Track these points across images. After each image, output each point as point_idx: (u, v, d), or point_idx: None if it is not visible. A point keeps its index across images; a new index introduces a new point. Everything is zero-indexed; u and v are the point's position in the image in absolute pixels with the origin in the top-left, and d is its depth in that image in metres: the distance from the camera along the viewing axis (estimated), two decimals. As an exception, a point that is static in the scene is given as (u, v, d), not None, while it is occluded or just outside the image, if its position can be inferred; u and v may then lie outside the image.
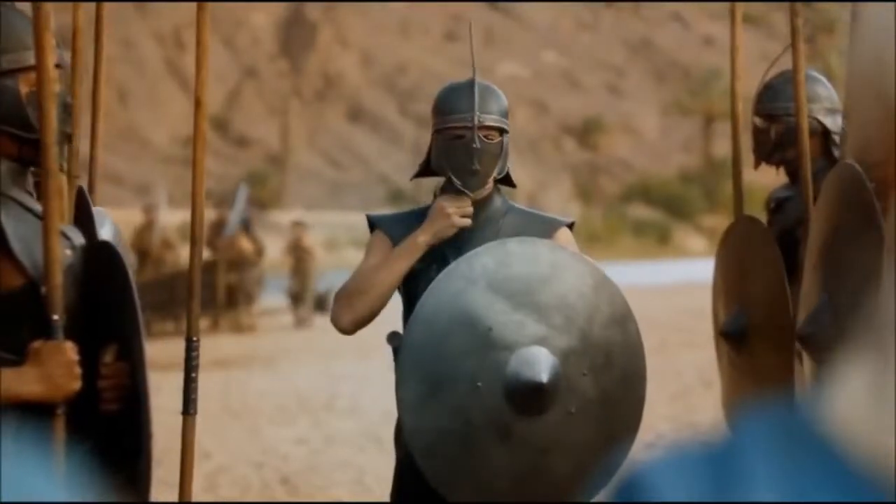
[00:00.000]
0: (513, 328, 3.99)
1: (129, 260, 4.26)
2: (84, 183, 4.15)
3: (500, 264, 4.00)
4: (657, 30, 60.41)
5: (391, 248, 4.20)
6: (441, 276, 4.01)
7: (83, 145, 4.22)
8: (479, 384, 3.96)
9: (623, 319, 4.03)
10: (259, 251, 22.00)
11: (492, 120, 4.16)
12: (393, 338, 4.05)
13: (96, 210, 4.13)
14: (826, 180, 4.27)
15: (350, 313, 4.08)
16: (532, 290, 4.00)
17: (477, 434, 3.97)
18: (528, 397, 3.96)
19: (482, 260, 4.01)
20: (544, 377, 3.96)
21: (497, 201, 4.23)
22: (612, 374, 4.02)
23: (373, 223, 4.26)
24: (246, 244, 21.85)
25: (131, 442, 3.25)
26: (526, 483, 3.99)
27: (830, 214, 4.15)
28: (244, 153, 51.98)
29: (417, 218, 4.20)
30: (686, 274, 26.69)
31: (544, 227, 4.19)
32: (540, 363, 3.96)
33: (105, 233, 3.97)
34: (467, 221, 4.15)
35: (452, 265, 4.02)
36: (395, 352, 4.05)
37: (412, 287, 4.15)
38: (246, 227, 22.28)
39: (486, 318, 3.97)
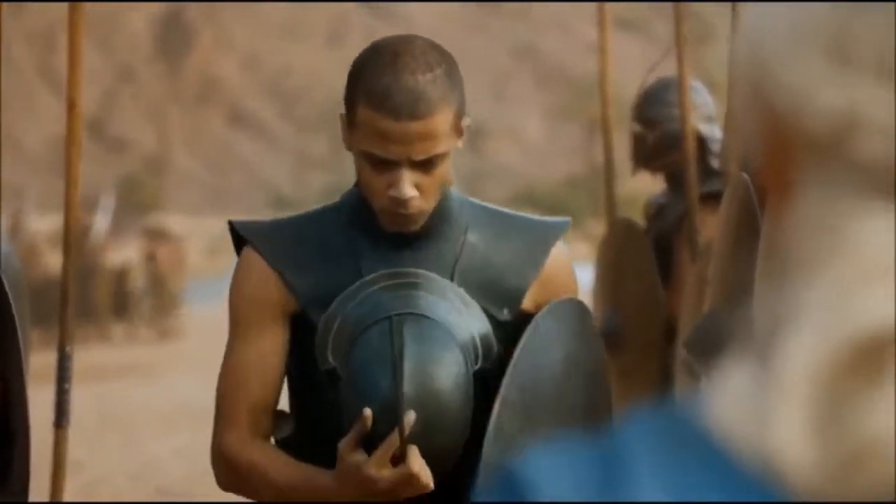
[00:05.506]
0: None
1: (17, 267, 4.13)
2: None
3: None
4: (541, 35, 60.84)
5: (278, 287, 2.76)
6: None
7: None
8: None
9: None
10: (181, 256, 21.97)
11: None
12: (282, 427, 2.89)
13: None
14: (724, 194, 4.31)
15: (234, 491, 3.01)
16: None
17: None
18: None
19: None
20: None
21: (451, 204, 2.73)
22: None
23: (241, 235, 2.80)
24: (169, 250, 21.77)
25: (6, 458, 3.16)
26: None
27: (724, 227, 4.18)
28: (119, 157, 51.43)
29: (300, 230, 2.83)
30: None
31: (531, 256, 2.77)
32: None
33: None
34: (426, 482, 2.62)
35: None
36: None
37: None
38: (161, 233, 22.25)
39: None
